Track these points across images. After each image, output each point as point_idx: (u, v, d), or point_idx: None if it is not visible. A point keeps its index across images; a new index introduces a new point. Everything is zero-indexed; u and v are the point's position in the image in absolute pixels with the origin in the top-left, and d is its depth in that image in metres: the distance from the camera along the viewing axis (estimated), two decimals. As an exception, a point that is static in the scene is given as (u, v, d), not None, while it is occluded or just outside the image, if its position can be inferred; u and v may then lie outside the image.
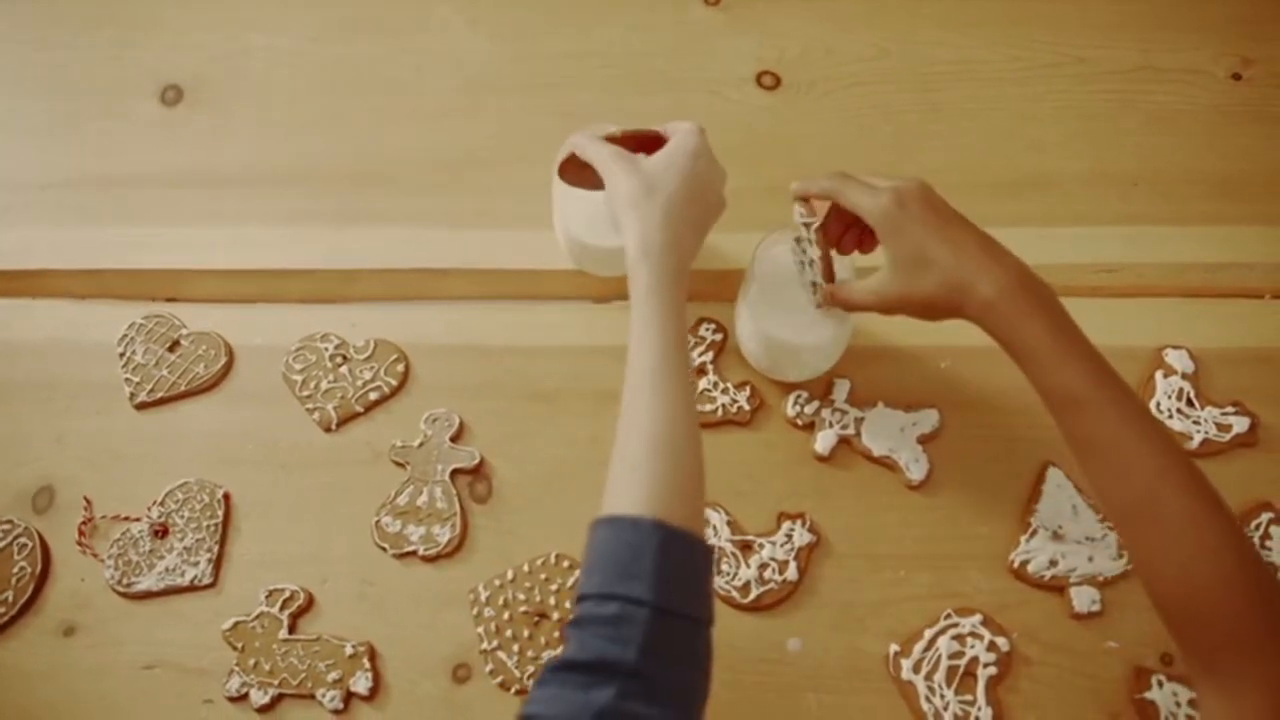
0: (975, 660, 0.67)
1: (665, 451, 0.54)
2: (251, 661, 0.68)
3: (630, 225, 0.61)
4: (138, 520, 0.72)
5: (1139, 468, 0.53)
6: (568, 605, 0.69)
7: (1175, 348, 0.76)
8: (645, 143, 0.66)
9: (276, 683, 0.67)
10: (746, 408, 0.75)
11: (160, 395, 0.76)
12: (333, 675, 0.67)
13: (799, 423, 0.74)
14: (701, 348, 0.77)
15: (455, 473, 0.73)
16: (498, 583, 0.70)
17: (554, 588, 0.69)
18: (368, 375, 0.76)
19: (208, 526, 0.72)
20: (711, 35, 0.89)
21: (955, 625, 0.68)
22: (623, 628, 0.48)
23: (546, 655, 0.68)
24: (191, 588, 0.70)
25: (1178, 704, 0.65)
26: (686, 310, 0.61)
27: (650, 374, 0.57)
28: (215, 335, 0.78)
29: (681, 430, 0.55)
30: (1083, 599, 0.68)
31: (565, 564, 0.70)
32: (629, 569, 0.50)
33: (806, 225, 0.66)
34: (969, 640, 0.67)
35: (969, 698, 0.66)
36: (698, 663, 0.51)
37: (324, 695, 0.67)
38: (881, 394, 0.75)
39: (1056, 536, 0.70)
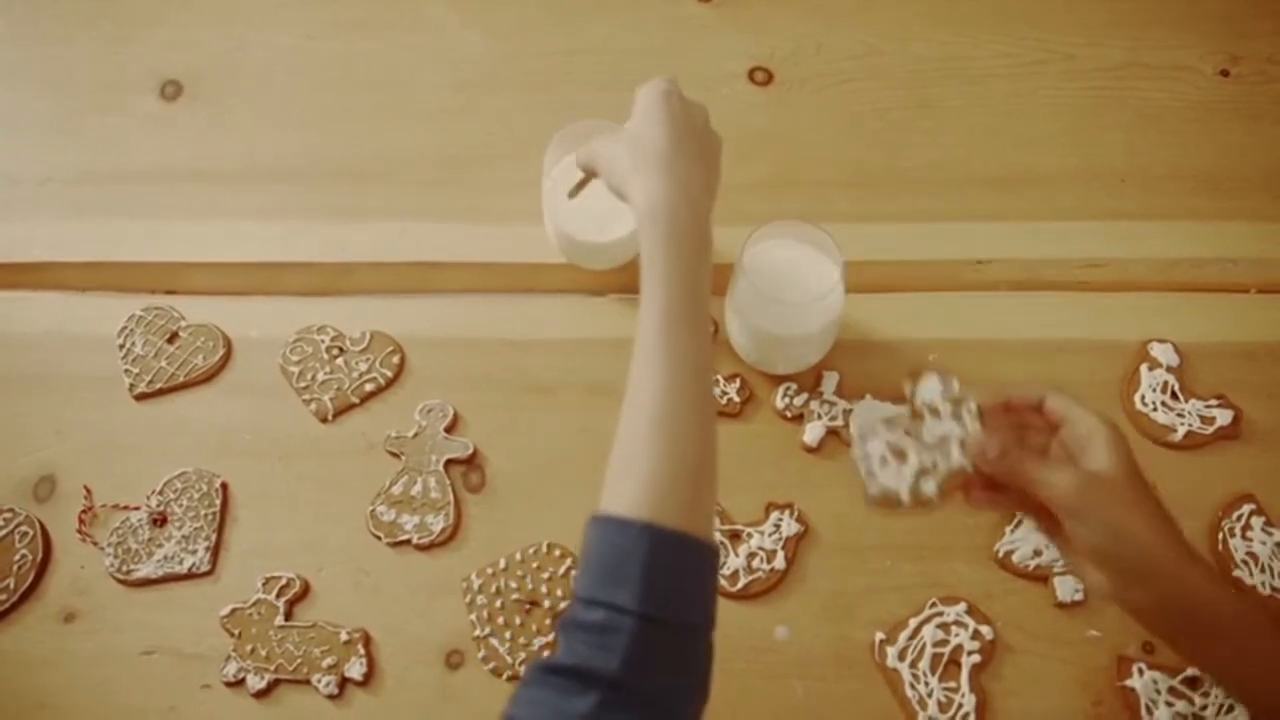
0: (959, 648, 0.68)
1: (665, 435, 0.50)
2: (248, 647, 0.69)
3: (632, 189, 0.57)
4: (137, 509, 0.73)
5: None
6: (559, 593, 0.70)
7: (1160, 341, 0.77)
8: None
9: (273, 668, 0.68)
10: (736, 399, 0.76)
11: (159, 386, 0.77)
12: (328, 661, 0.68)
13: (788, 414, 0.75)
14: (692, 341, 0.78)
15: (449, 463, 0.74)
16: (490, 571, 0.71)
17: (546, 576, 0.71)
18: (363, 367, 0.78)
19: (206, 515, 0.73)
20: (704, 32, 0.90)
21: (940, 614, 0.69)
22: (607, 636, 0.47)
23: (538, 642, 0.69)
24: (189, 575, 0.72)
25: (1158, 691, 0.66)
26: (709, 265, 0.55)
27: (653, 345, 0.53)
28: (213, 327, 0.79)
29: (686, 408, 0.51)
30: (1066, 588, 0.69)
31: (557, 553, 0.71)
32: (616, 574, 0.48)
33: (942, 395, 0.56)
34: (953, 629, 0.68)
35: (953, 685, 0.67)
36: (690, 669, 0.49)
37: (319, 680, 0.68)
38: (869, 386, 0.76)
39: (1041, 527, 0.71)
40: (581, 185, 0.69)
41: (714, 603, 0.51)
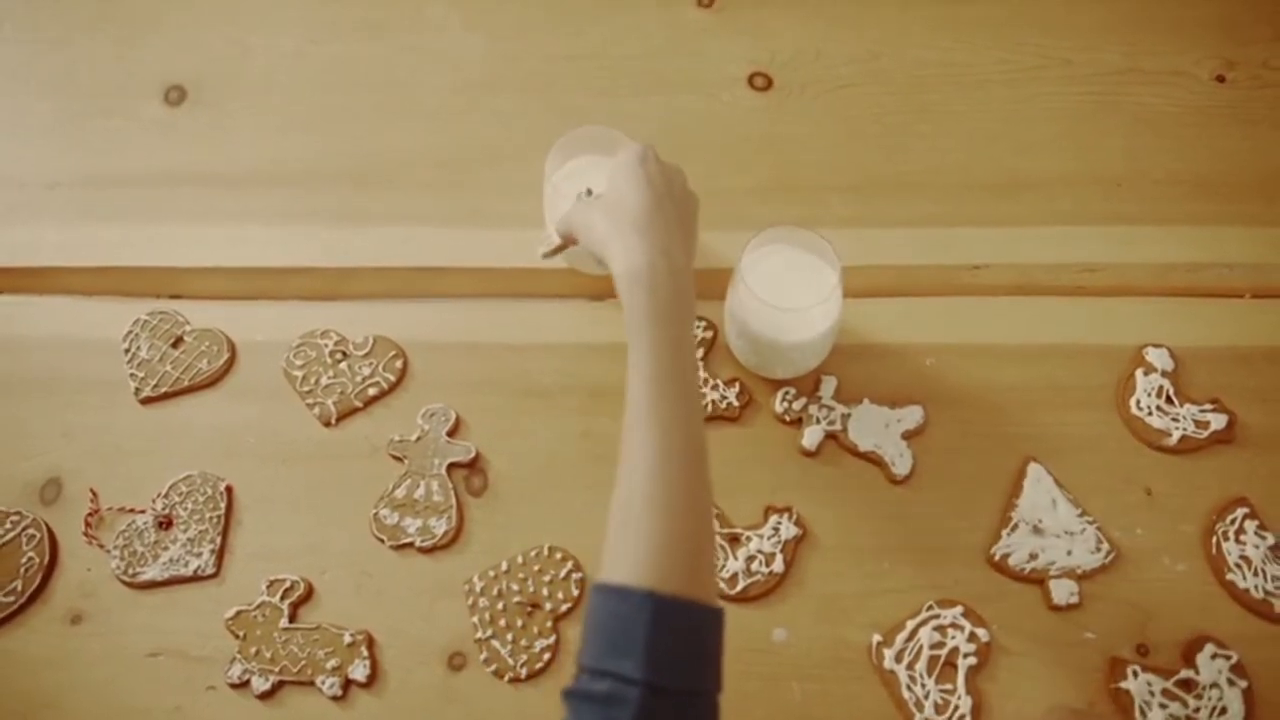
0: (956, 650, 0.68)
1: (661, 501, 0.51)
2: (253, 649, 0.70)
3: (612, 255, 0.58)
4: (142, 512, 0.74)
5: None
6: (560, 596, 0.71)
7: (1156, 346, 0.78)
8: None
9: (277, 670, 0.69)
10: (736, 404, 0.76)
11: (164, 390, 0.78)
12: (331, 663, 0.69)
13: (787, 419, 0.76)
14: (692, 345, 0.79)
15: (451, 466, 0.75)
16: (492, 574, 0.72)
17: (547, 579, 0.71)
18: (366, 371, 0.78)
19: (210, 518, 0.74)
20: (704, 37, 0.91)
21: (937, 616, 0.70)
22: (613, 708, 0.47)
23: (540, 644, 0.70)
24: (195, 578, 0.72)
25: (1151, 693, 0.67)
26: (692, 324, 0.56)
27: (644, 411, 0.53)
28: (218, 332, 0.80)
29: (680, 472, 0.52)
30: (1061, 591, 0.70)
31: (558, 556, 0.72)
32: (620, 643, 0.48)
33: None
34: (950, 631, 0.69)
35: (949, 687, 0.68)
36: None
37: (323, 682, 0.69)
38: (867, 391, 0.77)
39: (1036, 530, 0.72)
40: (557, 250, 0.71)
41: (720, 666, 0.51)
